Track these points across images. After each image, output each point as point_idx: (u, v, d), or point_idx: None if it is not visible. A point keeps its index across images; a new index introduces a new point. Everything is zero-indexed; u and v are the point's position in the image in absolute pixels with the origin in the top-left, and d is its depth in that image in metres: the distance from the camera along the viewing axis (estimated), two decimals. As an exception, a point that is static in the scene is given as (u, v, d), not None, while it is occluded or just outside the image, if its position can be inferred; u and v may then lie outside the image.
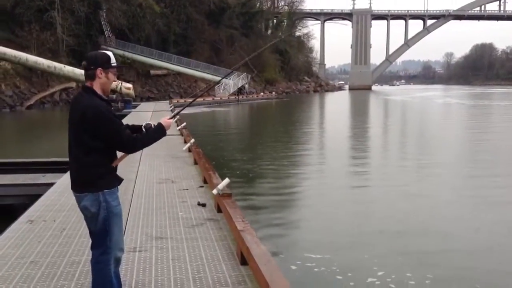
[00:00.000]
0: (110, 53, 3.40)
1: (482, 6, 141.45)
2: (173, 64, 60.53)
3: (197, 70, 61.44)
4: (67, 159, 3.39)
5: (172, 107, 33.77)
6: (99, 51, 3.54)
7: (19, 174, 9.83)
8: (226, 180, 5.91)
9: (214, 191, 5.88)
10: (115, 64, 3.40)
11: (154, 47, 61.17)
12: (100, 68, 3.29)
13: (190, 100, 48.39)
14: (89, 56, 3.36)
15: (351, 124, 31.60)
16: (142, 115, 26.72)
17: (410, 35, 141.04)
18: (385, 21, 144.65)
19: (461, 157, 17.03)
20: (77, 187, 3.30)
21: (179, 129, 15.34)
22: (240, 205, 5.67)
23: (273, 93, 73.26)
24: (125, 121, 3.27)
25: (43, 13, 50.56)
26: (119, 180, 3.43)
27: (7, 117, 35.82)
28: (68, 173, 8.90)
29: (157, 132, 3.48)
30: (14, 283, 3.98)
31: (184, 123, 16.29)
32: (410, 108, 50.60)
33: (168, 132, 3.55)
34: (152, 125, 3.49)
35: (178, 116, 5.51)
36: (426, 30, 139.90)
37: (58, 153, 12.19)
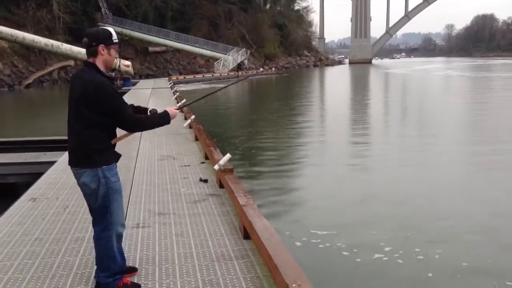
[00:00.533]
0: (111, 29, 3.37)
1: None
2: (172, 40, 60.00)
3: (195, 46, 60.93)
4: (67, 138, 3.38)
5: (172, 83, 33.63)
6: (100, 27, 3.49)
7: (20, 152, 9.85)
8: (228, 156, 5.91)
9: (216, 167, 5.89)
10: (117, 40, 3.36)
11: (151, 24, 60.57)
12: (102, 45, 3.25)
13: (190, 76, 48.20)
14: (90, 33, 3.31)
15: (351, 98, 31.47)
16: (141, 92, 26.62)
17: (411, 7, 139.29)
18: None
19: (463, 128, 17.02)
20: (76, 162, 3.30)
21: (179, 106, 15.30)
22: (241, 180, 5.67)
23: (273, 68, 72.78)
24: (124, 98, 3.26)
25: (38, -10, 49.94)
26: (117, 156, 3.42)
27: (6, 96, 35.70)
28: (69, 151, 8.95)
29: (162, 118, 3.49)
30: (19, 259, 4.02)
31: (184, 100, 16.22)
32: (409, 81, 50.32)
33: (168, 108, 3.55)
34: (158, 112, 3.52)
35: (176, 88, 5.42)
36: (427, 2, 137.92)
37: (58, 131, 12.19)
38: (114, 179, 3.33)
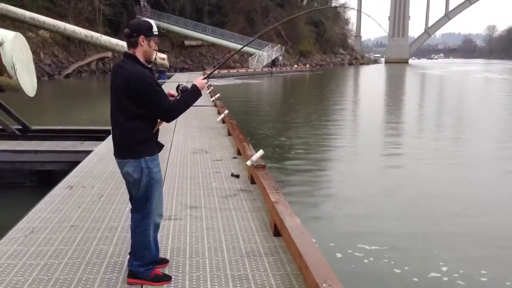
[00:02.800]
0: (152, 21, 3.41)
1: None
2: (207, 35, 60.41)
3: (231, 41, 61.08)
4: (104, 128, 3.48)
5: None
6: (141, 19, 3.54)
7: (58, 141, 10.10)
8: (260, 152, 5.92)
9: (248, 162, 5.91)
10: (157, 32, 3.40)
11: (188, 18, 61.12)
12: (142, 36, 3.29)
13: (224, 71, 48.44)
14: (132, 24, 3.36)
15: (385, 99, 31.01)
16: (176, 85, 26.89)
17: (451, 6, 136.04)
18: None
19: (497, 132, 16.54)
20: (120, 152, 3.36)
21: (213, 101, 15.41)
22: (272, 177, 5.67)
23: (307, 65, 72.35)
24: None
25: (80, -18, 51.05)
26: (160, 147, 3.48)
27: (46, 85, 36.66)
28: (105, 141, 9.16)
29: (193, 93, 3.49)
30: (55, 245, 4.14)
31: (218, 94, 16.35)
32: (446, 82, 49.21)
33: (201, 103, 3.57)
34: (188, 88, 3.51)
35: (209, 82, 5.46)
36: (468, 2, 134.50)
37: (95, 121, 12.48)
38: (156, 169, 3.39)
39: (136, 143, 3.29)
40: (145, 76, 3.22)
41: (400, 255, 6.07)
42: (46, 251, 4.01)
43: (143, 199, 3.38)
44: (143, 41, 3.30)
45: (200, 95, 3.53)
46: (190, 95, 3.48)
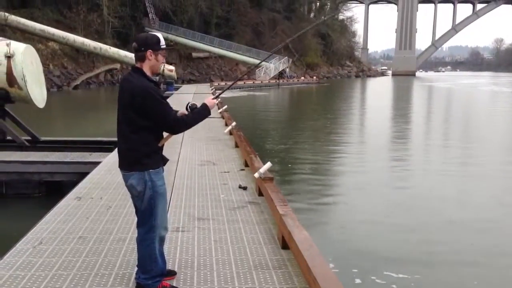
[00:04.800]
0: (160, 35, 3.45)
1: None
2: (215, 47, 60.83)
3: (238, 53, 61.47)
4: (113, 139, 3.51)
5: (213, 89, 34.02)
6: (149, 33, 3.58)
7: (67, 152, 10.17)
8: (268, 164, 5.93)
9: (256, 175, 5.91)
10: (165, 46, 3.44)
11: (196, 30, 61.63)
12: (150, 50, 3.33)
13: (231, 82, 48.60)
14: (139, 38, 3.41)
15: (392, 112, 30.95)
16: (183, 97, 27.03)
17: (458, 19, 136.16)
18: (432, 5, 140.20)
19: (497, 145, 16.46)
20: (125, 165, 3.39)
21: (220, 112, 15.46)
22: (280, 189, 5.67)
23: (314, 77, 72.51)
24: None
25: (90, -5, 51.70)
26: (165, 161, 3.51)
27: (55, 97, 36.88)
28: (113, 152, 9.19)
29: (202, 112, 3.52)
30: (63, 257, 4.15)
31: (226, 106, 16.40)
32: (453, 95, 49.15)
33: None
34: (197, 106, 3.54)
35: (219, 98, 5.49)
36: (476, 15, 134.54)
37: (104, 133, 12.55)
38: (160, 182, 3.41)
39: (141, 156, 3.32)
40: (149, 89, 3.27)
41: (410, 268, 6.02)
42: (55, 262, 4.02)
43: (147, 212, 3.40)
44: (151, 55, 3.34)
45: (209, 114, 3.57)
46: (199, 113, 3.52)
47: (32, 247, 4.36)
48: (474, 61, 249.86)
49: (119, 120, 3.40)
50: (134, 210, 3.57)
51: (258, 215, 5.40)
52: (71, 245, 4.45)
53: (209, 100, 3.58)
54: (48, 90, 13.23)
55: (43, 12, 48.40)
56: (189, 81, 56.59)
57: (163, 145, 3.48)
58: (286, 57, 64.02)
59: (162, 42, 3.42)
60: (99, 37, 50.35)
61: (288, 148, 15.34)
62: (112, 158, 8.70)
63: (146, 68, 3.37)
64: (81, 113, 25.78)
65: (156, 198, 3.40)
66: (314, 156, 14.15)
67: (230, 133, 11.11)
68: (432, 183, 10.74)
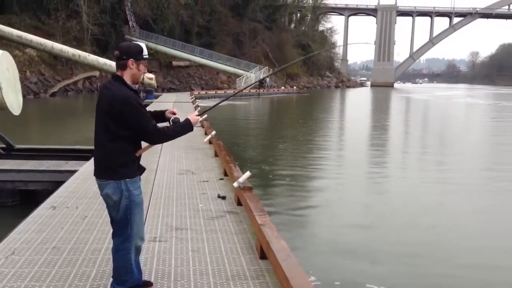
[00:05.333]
0: (143, 45, 3.43)
1: (511, 5, 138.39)
2: (196, 55, 60.78)
3: (219, 63, 61.54)
4: (90, 147, 3.46)
5: (193, 98, 33.89)
6: (132, 42, 3.56)
7: (42, 160, 9.97)
8: (247, 173, 5.90)
9: (235, 184, 5.89)
10: (147, 56, 3.42)
11: (177, 38, 61.49)
12: (132, 59, 3.31)
13: (211, 92, 48.55)
14: (122, 46, 3.38)
15: (370, 122, 31.29)
16: (163, 105, 26.90)
17: (436, 32, 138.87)
18: (410, 18, 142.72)
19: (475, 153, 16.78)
20: (100, 173, 3.34)
21: (200, 121, 15.39)
22: (259, 199, 5.65)
23: (294, 87, 72.93)
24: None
25: (69, 2, 51.21)
26: (142, 170, 3.47)
27: (32, 104, 36.31)
28: (90, 161, 9.06)
29: (184, 127, 3.51)
30: (36, 267, 4.05)
31: (205, 115, 16.31)
32: (429, 107, 50.10)
33: None
34: (180, 120, 3.53)
35: (205, 115, 5.48)
36: (452, 28, 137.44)
37: (81, 141, 12.36)
38: (137, 192, 3.36)
39: (118, 165, 3.27)
40: (130, 98, 3.23)
41: (393, 280, 6.05)
42: (27, 273, 3.92)
43: (123, 222, 3.35)
44: (132, 64, 3.32)
45: (191, 130, 3.55)
46: (181, 127, 3.51)
47: (4, 257, 4.24)
48: (451, 73, 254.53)
49: (96, 128, 3.35)
50: (110, 219, 3.51)
51: (237, 225, 5.37)
52: (45, 255, 4.34)
53: (193, 116, 3.56)
54: (24, 97, 13.00)
55: (20, 18, 47.68)
56: (169, 90, 56.33)
57: (140, 154, 3.44)
58: (267, 67, 64.39)
59: (145, 52, 3.40)
60: (78, 44, 49.77)
61: (268, 157, 15.35)
62: (89, 167, 8.56)
63: (127, 76, 3.33)
64: (58, 120, 25.42)
65: (132, 207, 3.35)
66: (294, 165, 14.17)
67: (210, 142, 11.06)
68: (411, 191, 10.90)
